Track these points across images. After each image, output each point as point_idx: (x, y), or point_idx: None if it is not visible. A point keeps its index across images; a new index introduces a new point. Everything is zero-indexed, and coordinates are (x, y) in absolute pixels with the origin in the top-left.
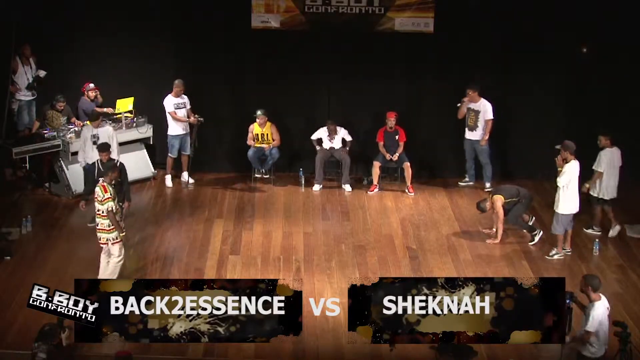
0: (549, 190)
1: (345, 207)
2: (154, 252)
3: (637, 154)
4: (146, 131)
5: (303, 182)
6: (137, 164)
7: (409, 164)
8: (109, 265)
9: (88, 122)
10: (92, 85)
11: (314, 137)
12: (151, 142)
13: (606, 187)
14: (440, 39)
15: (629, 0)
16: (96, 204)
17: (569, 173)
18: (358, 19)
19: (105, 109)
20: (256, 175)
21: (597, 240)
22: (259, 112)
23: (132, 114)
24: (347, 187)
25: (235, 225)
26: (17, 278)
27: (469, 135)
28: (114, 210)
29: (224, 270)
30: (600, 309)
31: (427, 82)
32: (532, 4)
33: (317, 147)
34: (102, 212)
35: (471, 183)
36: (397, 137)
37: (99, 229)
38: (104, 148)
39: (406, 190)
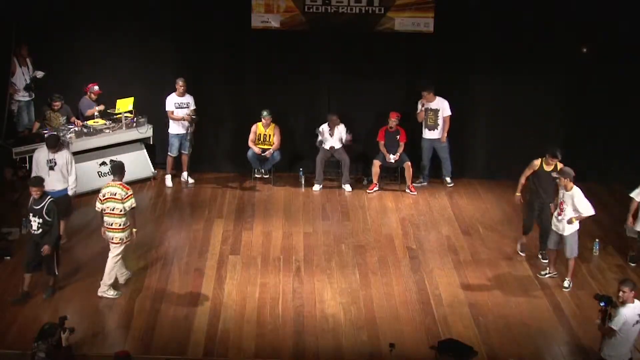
0: None
1: (345, 207)
2: (154, 252)
3: (637, 154)
4: (146, 131)
5: (303, 182)
6: (137, 164)
7: (409, 163)
8: (108, 263)
9: (46, 145)
10: (96, 88)
11: (319, 139)
12: (151, 142)
13: None
14: (440, 39)
15: (629, 0)
16: (112, 203)
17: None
18: (358, 19)
19: (97, 108)
20: (256, 175)
21: (597, 240)
22: (265, 113)
23: (132, 114)
24: (347, 187)
25: (235, 225)
26: (17, 278)
27: (428, 134)
28: (133, 207)
29: (224, 270)
30: (630, 311)
31: (427, 82)
32: (532, 4)
33: (327, 147)
34: (119, 211)
35: (425, 184)
36: (397, 137)
37: (112, 228)
38: (37, 182)
39: (407, 190)
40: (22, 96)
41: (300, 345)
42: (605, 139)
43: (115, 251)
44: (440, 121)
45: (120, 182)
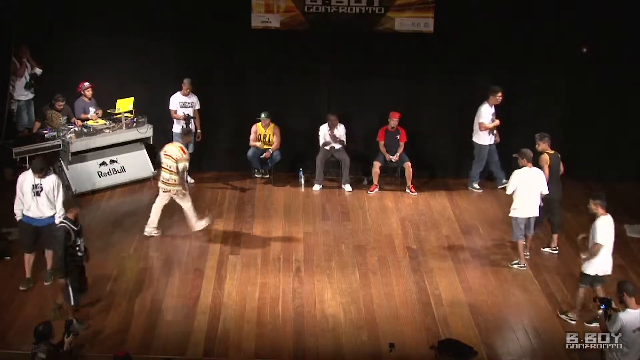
0: None
1: (345, 207)
2: (154, 252)
3: (637, 154)
4: (146, 131)
5: (303, 182)
6: (137, 164)
7: (409, 163)
8: (189, 210)
9: (31, 170)
10: (87, 84)
11: (321, 140)
12: (151, 142)
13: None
14: (440, 39)
15: (629, 0)
16: (167, 160)
17: (514, 181)
18: (358, 19)
19: (92, 114)
20: (256, 175)
21: None
22: (263, 115)
23: (132, 114)
24: (347, 187)
25: (235, 225)
26: (17, 278)
27: (489, 140)
28: (186, 169)
29: (224, 270)
30: (630, 317)
31: (427, 82)
32: (532, 3)
33: (327, 148)
34: (174, 168)
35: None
36: (398, 136)
37: (169, 183)
38: (75, 203)
39: (408, 190)
40: (23, 95)
41: (300, 345)
42: (605, 139)
43: (185, 201)
44: None
45: (180, 145)
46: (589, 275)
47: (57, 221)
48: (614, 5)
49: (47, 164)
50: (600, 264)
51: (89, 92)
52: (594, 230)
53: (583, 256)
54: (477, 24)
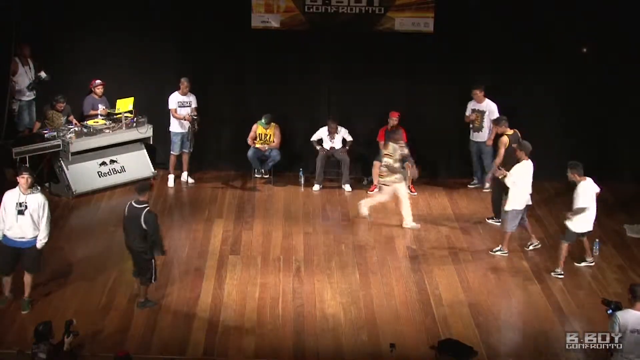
0: (547, 189)
1: (345, 207)
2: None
3: (637, 154)
4: (146, 131)
5: (303, 182)
6: (137, 164)
7: (409, 163)
8: (405, 205)
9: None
10: (98, 81)
11: (314, 138)
12: (151, 142)
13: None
14: (440, 39)
15: (629, 1)
16: (383, 150)
17: (515, 175)
18: (358, 19)
19: (100, 110)
20: (256, 175)
21: (597, 240)
22: (264, 121)
23: (132, 114)
24: (347, 187)
25: (235, 225)
26: (17, 278)
27: (474, 137)
28: (388, 164)
29: (224, 271)
30: (631, 316)
31: (427, 82)
32: (532, 3)
33: (318, 147)
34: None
35: (479, 185)
36: None
37: (386, 173)
38: (147, 186)
39: (408, 190)
40: (25, 96)
41: (300, 345)
42: (605, 139)
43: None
44: (485, 124)
45: (392, 143)
46: (574, 232)
47: (38, 245)
48: (614, 5)
49: (37, 179)
50: (586, 222)
51: (99, 90)
52: (576, 196)
53: (569, 215)
54: (477, 24)
